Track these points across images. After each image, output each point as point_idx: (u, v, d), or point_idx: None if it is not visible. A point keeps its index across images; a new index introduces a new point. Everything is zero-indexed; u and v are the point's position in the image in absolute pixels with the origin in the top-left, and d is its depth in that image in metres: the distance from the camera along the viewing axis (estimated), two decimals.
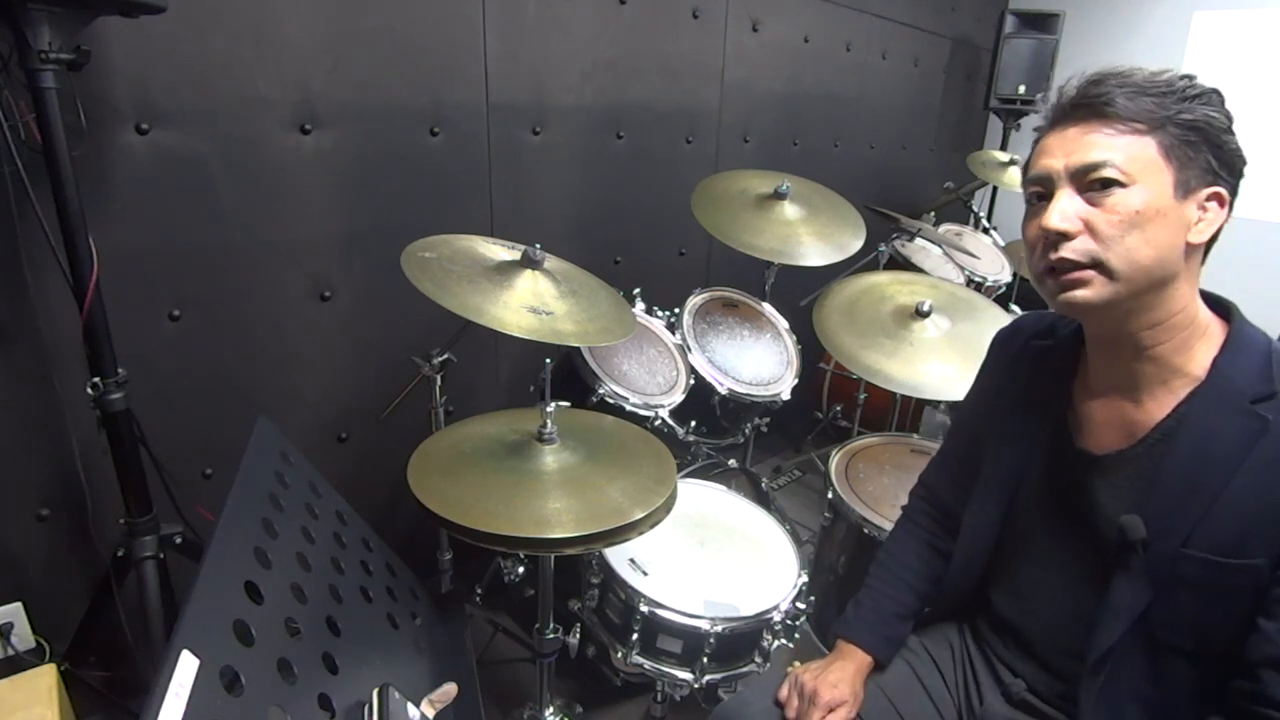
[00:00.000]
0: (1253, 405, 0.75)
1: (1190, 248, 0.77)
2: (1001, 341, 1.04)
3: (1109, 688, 0.84)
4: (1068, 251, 0.77)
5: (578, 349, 1.71)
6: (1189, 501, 0.77)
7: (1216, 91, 0.77)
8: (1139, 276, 0.76)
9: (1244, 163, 0.78)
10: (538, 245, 1.42)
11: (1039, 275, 0.82)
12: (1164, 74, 0.77)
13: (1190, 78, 0.77)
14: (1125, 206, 0.75)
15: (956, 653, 1.07)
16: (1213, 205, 0.77)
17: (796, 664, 1.05)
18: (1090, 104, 0.77)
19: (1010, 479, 0.96)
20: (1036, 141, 0.84)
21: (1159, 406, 0.82)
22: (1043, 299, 0.84)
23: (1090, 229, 0.76)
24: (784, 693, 1.01)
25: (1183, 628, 0.79)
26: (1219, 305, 0.84)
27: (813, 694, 0.97)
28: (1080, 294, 0.77)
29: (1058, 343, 0.95)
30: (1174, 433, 0.80)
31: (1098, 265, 0.76)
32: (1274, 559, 0.73)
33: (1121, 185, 0.75)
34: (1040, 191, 0.81)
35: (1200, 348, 0.80)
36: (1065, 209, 0.77)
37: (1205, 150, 0.75)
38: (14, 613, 1.44)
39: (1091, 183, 0.76)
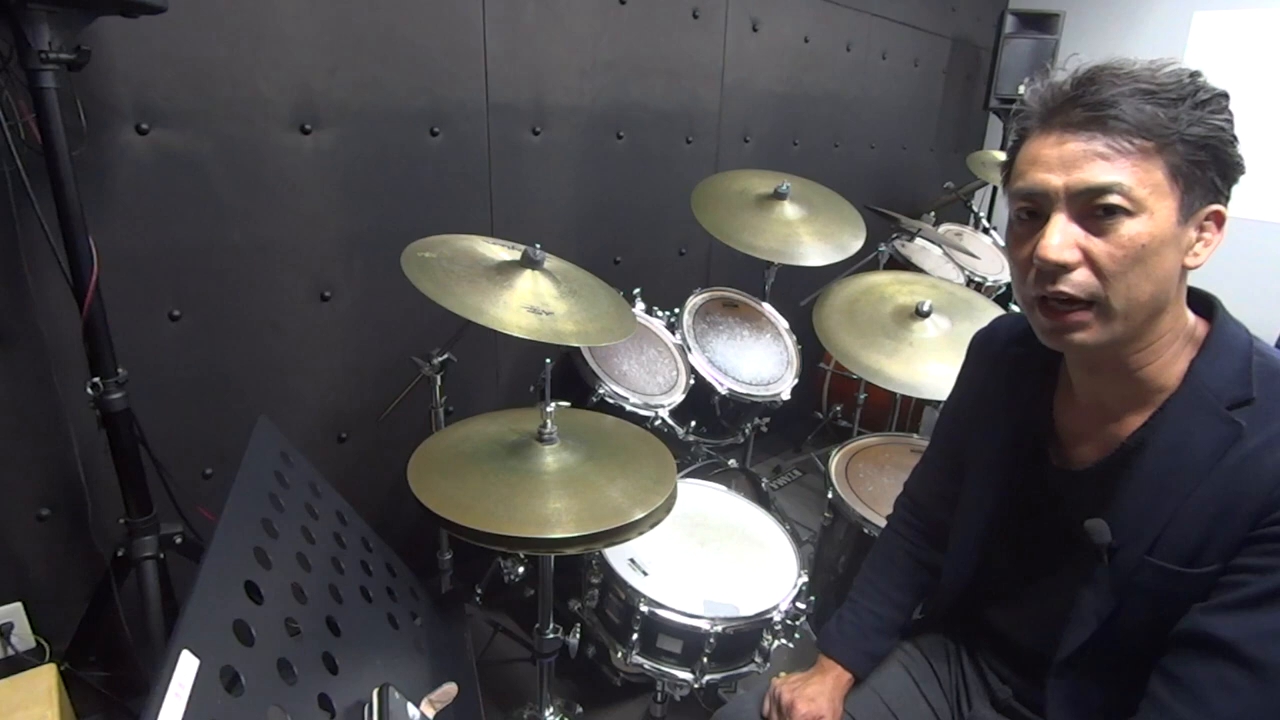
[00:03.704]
0: (1229, 411, 0.72)
1: (1185, 269, 0.73)
2: (979, 345, 1.01)
3: (1074, 691, 0.84)
4: (1066, 286, 0.71)
5: (578, 349, 1.71)
6: (1156, 509, 0.75)
7: (1225, 94, 0.70)
8: (1137, 312, 0.71)
9: (1242, 172, 0.72)
10: (538, 245, 1.42)
11: (1029, 303, 0.76)
12: (1167, 68, 0.69)
13: (1197, 75, 0.69)
14: (1131, 239, 0.68)
15: (951, 658, 1.07)
16: (1211, 225, 0.72)
17: (781, 674, 1.05)
18: (1092, 110, 0.68)
19: (992, 496, 0.95)
20: (1021, 138, 0.75)
21: (1138, 417, 0.79)
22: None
23: (1090, 260, 0.70)
24: (766, 707, 1.02)
25: (1141, 635, 0.78)
26: (1202, 302, 0.80)
27: (789, 707, 0.97)
28: (1077, 337, 0.73)
29: (1033, 352, 0.88)
30: (1147, 440, 0.77)
31: (1095, 303, 0.71)
32: (1225, 564, 0.72)
33: (1128, 214, 0.68)
34: (1030, 208, 0.74)
35: (1184, 356, 0.77)
36: (1064, 237, 0.70)
37: (1212, 169, 0.69)
38: (14, 613, 1.44)
39: (1094, 208, 0.69)
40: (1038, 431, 0.90)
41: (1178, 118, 0.67)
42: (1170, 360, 0.77)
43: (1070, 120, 0.70)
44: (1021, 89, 0.75)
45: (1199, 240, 0.72)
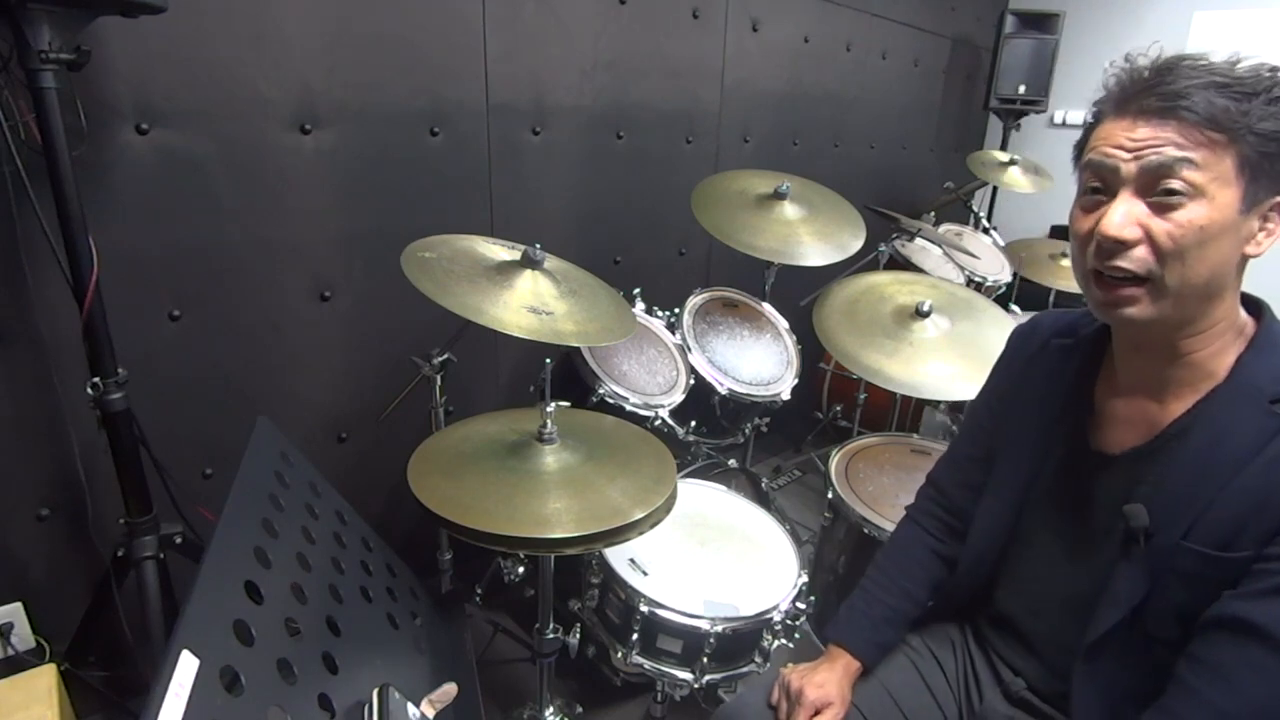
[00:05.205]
0: (1272, 405, 0.74)
1: (1244, 259, 0.75)
2: (1020, 339, 1.03)
3: (1101, 676, 0.85)
4: (1123, 261, 0.74)
5: (578, 349, 1.71)
6: (1194, 495, 0.77)
7: None
8: (1189, 294, 0.74)
9: None
10: (538, 245, 1.42)
11: (1084, 275, 0.80)
12: (1247, 63, 0.72)
13: (1278, 70, 0.71)
14: (1190, 222, 0.71)
15: (958, 650, 1.06)
16: (1275, 216, 0.74)
17: (789, 665, 1.05)
18: (1166, 100, 0.71)
19: (1024, 479, 0.95)
20: (1097, 119, 0.79)
21: (1180, 404, 0.81)
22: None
23: (1149, 238, 0.73)
24: (774, 695, 1.02)
25: (1171, 619, 0.79)
26: (1251, 303, 0.82)
27: (798, 694, 0.98)
28: (1128, 311, 0.76)
29: (1080, 342, 0.93)
30: (1189, 429, 0.79)
31: (1150, 280, 0.74)
32: (1258, 552, 0.73)
33: (1190, 198, 0.71)
34: (1097, 186, 0.77)
35: (1233, 349, 0.79)
36: (1126, 214, 0.73)
37: None
38: (14, 613, 1.44)
39: (1158, 189, 0.72)
40: (1078, 416, 0.91)
41: (1249, 111, 0.69)
42: (1219, 351, 0.79)
43: (1145, 107, 0.73)
44: (1107, 65, 0.78)
45: (1261, 230, 0.74)
